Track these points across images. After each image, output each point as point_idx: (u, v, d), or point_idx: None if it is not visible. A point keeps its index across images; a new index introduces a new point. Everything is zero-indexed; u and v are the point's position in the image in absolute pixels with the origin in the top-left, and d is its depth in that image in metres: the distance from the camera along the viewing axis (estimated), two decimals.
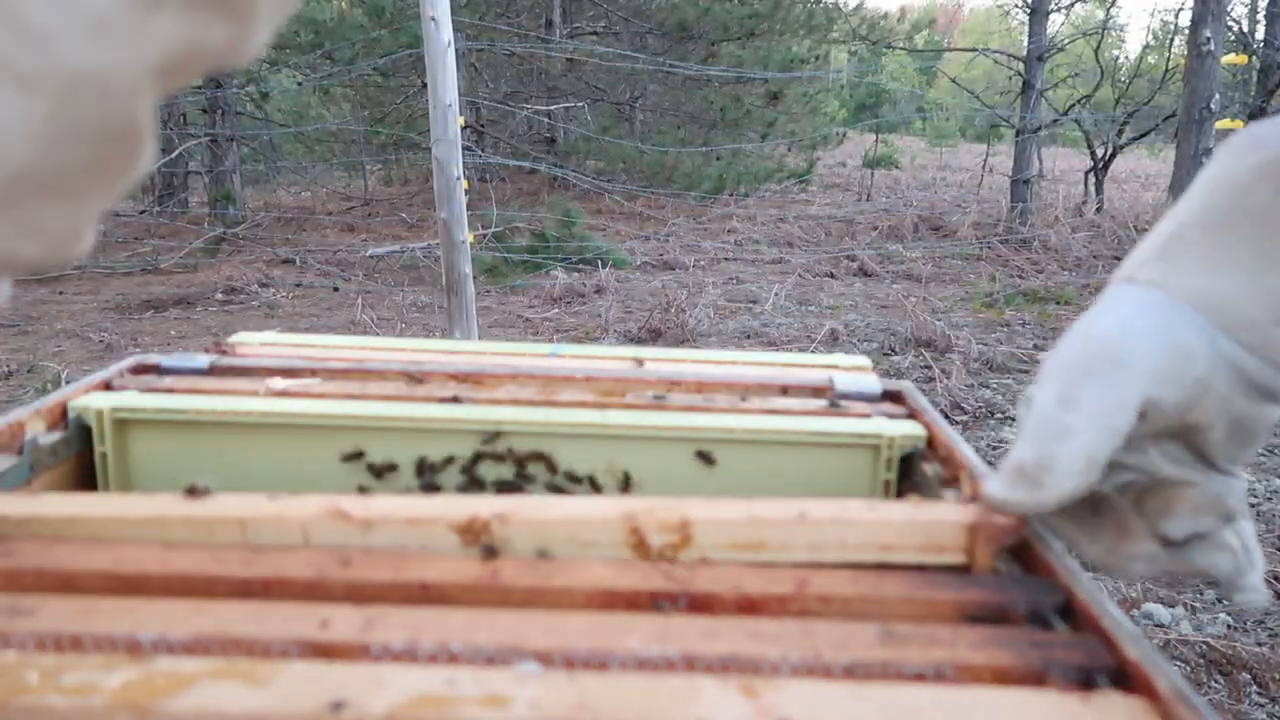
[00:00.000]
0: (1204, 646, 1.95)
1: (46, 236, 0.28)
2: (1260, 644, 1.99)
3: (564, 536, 0.48)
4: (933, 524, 0.49)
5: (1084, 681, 0.38)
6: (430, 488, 0.69)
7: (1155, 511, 0.50)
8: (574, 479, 0.68)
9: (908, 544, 0.49)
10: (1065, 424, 0.48)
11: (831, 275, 6.21)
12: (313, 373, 0.78)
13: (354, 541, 0.49)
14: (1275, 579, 2.23)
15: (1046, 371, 0.51)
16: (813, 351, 4.17)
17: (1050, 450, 0.48)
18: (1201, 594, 2.22)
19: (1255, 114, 6.58)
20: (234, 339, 0.90)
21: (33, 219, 0.28)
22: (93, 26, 0.25)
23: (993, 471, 0.54)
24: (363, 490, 0.69)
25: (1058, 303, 5.24)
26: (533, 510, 0.49)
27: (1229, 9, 6.32)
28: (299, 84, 9.54)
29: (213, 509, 0.50)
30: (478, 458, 0.68)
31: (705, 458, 0.68)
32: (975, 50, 10.66)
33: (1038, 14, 8.39)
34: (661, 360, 0.87)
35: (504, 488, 0.68)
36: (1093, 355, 0.49)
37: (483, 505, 0.50)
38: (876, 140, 12.54)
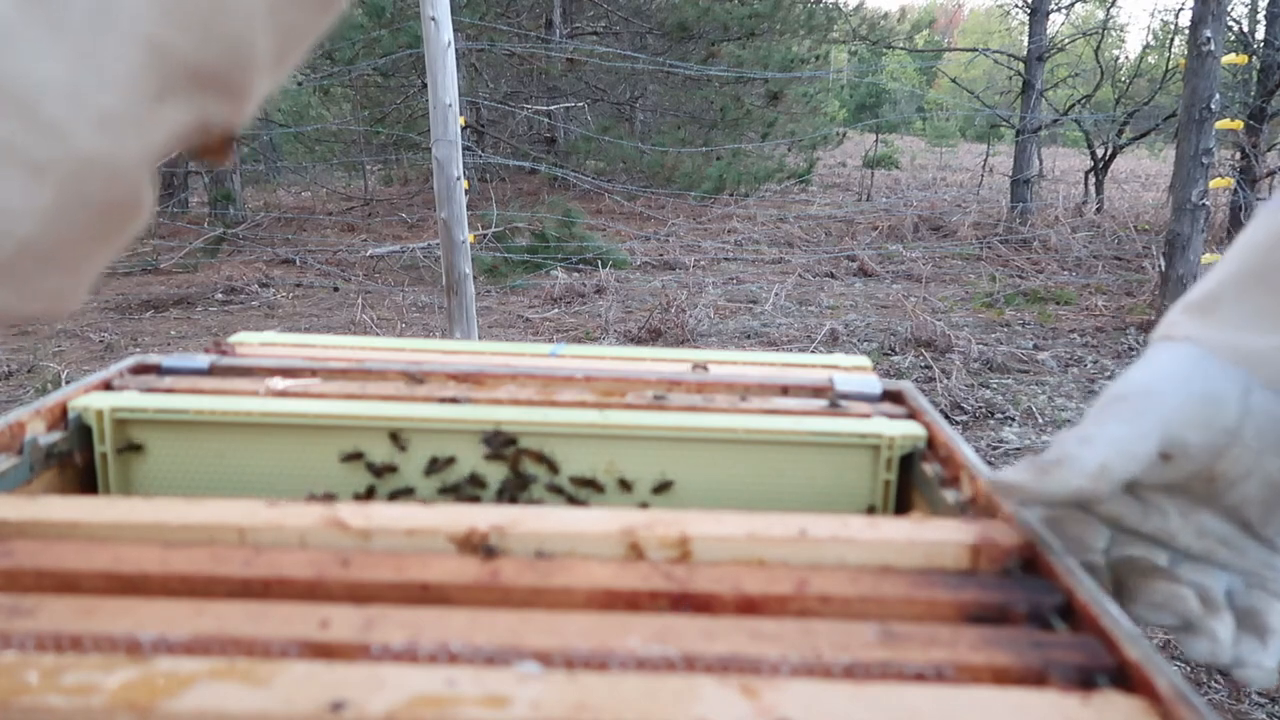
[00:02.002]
0: None
1: (44, 299, 0.30)
2: None
3: (562, 550, 0.48)
4: (934, 543, 0.49)
5: (1084, 681, 0.38)
6: (443, 490, 0.69)
7: (1127, 593, 0.50)
8: (576, 480, 0.68)
9: (908, 563, 0.49)
10: (1088, 435, 0.49)
11: (831, 275, 6.21)
12: (313, 373, 0.78)
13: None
14: None
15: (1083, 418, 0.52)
16: (813, 351, 4.17)
17: (1068, 450, 0.49)
18: None
19: (1255, 114, 6.59)
20: (234, 339, 0.90)
21: (33, 285, 0.29)
22: (102, 120, 0.26)
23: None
24: (367, 494, 0.69)
25: (1058, 303, 5.24)
26: (531, 522, 0.49)
27: (1229, 9, 6.32)
28: (299, 84, 9.54)
29: (211, 515, 0.50)
30: (482, 449, 0.68)
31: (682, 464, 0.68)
32: (975, 50, 10.66)
33: (1038, 14, 8.39)
34: (665, 360, 0.87)
35: (504, 488, 0.68)
36: (1122, 395, 0.50)
37: (481, 516, 0.50)
38: (876, 140, 12.54)
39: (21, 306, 0.29)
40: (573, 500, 0.68)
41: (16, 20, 0.25)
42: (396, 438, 0.68)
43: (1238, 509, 0.50)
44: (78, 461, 0.69)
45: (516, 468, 0.68)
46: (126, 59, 0.26)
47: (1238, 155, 6.71)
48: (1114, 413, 0.49)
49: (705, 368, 0.83)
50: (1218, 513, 0.50)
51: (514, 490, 0.68)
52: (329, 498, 0.68)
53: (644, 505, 0.68)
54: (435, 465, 0.68)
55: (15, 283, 0.28)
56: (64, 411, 0.69)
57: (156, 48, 0.27)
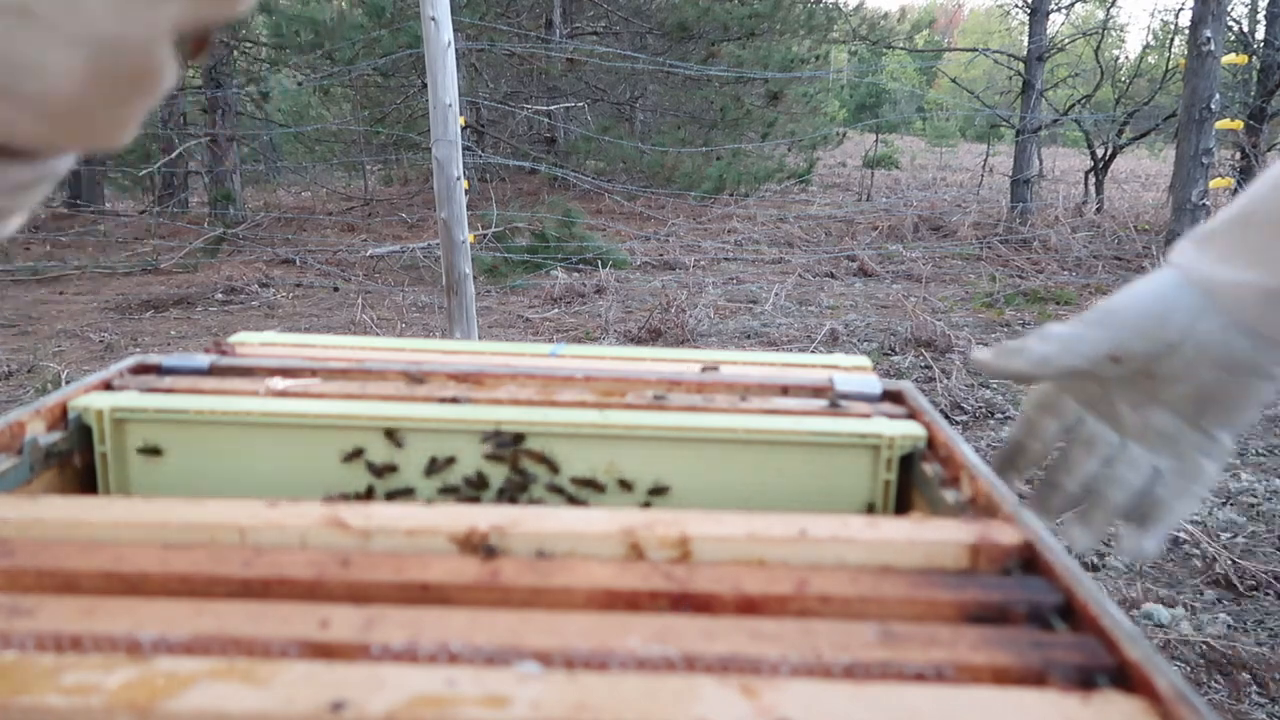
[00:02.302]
0: (1204, 646, 1.95)
1: (100, 131, 0.40)
2: (1260, 644, 1.99)
3: (563, 550, 0.48)
4: (933, 543, 0.49)
5: (1084, 681, 0.38)
6: (444, 490, 0.69)
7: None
8: (576, 480, 0.68)
9: (908, 563, 0.49)
10: (1048, 333, 0.65)
11: (831, 275, 6.21)
12: (313, 373, 0.78)
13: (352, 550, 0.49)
14: (1276, 579, 2.23)
15: None
16: (813, 352, 4.17)
17: (1028, 342, 0.65)
18: (1201, 594, 2.22)
19: (1255, 114, 6.59)
20: (234, 339, 0.90)
21: (79, 128, 0.40)
22: (117, 5, 0.35)
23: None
24: (367, 494, 0.69)
25: (1058, 303, 5.24)
26: (531, 523, 0.49)
27: (1229, 9, 6.32)
28: (299, 84, 9.54)
29: (212, 516, 0.50)
30: (481, 445, 0.68)
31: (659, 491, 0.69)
32: (975, 50, 10.66)
33: (1038, 14, 8.39)
34: (670, 360, 0.87)
35: (504, 488, 0.68)
36: (1095, 309, 0.65)
37: (481, 517, 0.50)
38: (876, 140, 12.54)
39: (85, 138, 0.40)
40: (573, 500, 0.68)
41: None
42: (393, 435, 0.68)
43: (1174, 404, 0.63)
44: (77, 462, 0.69)
45: (517, 467, 0.68)
46: None
47: (1238, 155, 6.71)
48: (1080, 320, 0.65)
49: (716, 368, 0.83)
50: (1160, 407, 0.63)
51: (514, 490, 0.68)
52: (344, 498, 0.68)
53: (645, 505, 0.68)
54: (435, 465, 0.68)
55: (63, 126, 0.38)
56: (64, 411, 0.69)
57: None
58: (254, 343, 0.90)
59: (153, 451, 0.68)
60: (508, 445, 0.68)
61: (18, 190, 0.51)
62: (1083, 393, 0.67)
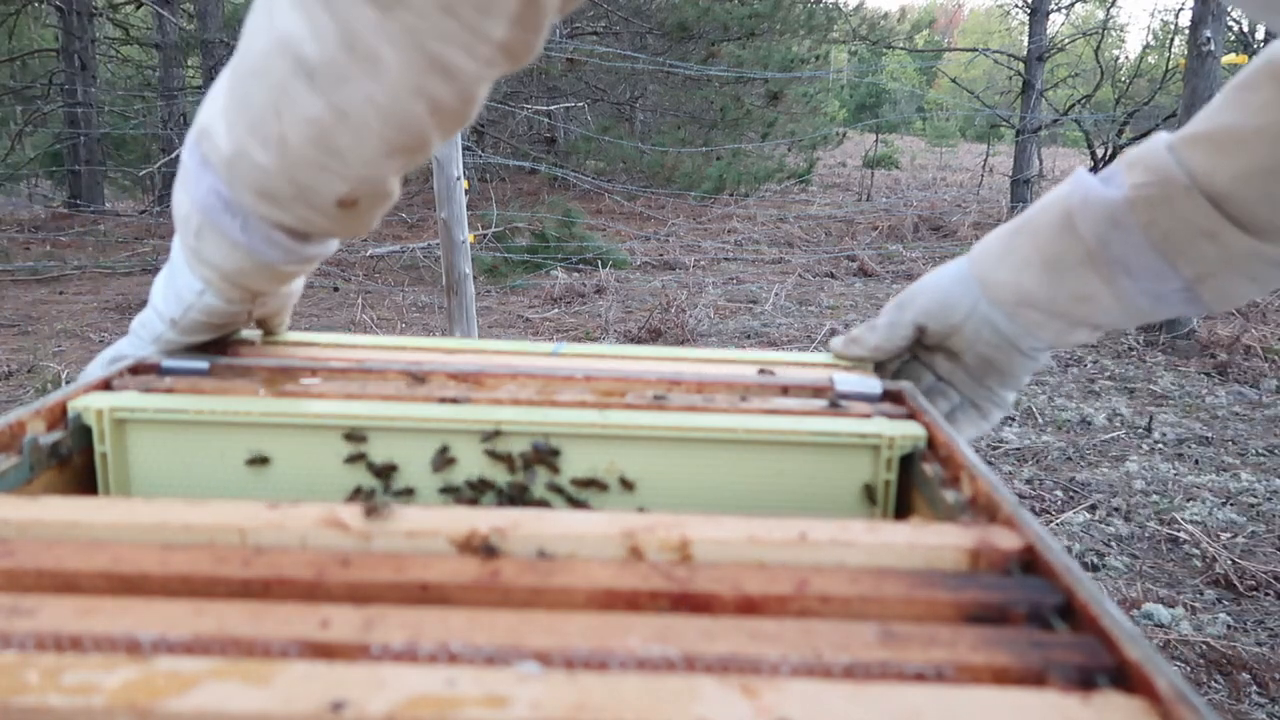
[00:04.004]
0: (1204, 646, 1.95)
1: (369, 222, 0.65)
2: (1260, 644, 1.99)
3: (563, 553, 0.49)
4: (934, 548, 0.49)
5: (1084, 681, 0.38)
6: (447, 490, 0.69)
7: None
8: (577, 482, 0.68)
9: (907, 568, 0.49)
10: (875, 324, 0.82)
11: (831, 275, 6.20)
12: (313, 373, 0.78)
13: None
14: (1276, 579, 2.23)
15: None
16: (813, 351, 4.17)
17: (861, 331, 0.83)
18: (1201, 594, 2.22)
19: None
20: (235, 337, 0.90)
21: (368, 216, 0.66)
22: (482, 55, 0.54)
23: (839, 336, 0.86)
24: (369, 495, 0.69)
25: None
26: (531, 525, 0.49)
27: (1229, 9, 6.32)
28: None
29: (212, 516, 0.50)
30: (478, 443, 0.68)
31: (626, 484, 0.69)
32: (975, 50, 10.66)
33: (1038, 14, 8.39)
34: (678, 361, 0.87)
35: (505, 488, 0.68)
36: (904, 293, 0.82)
37: (481, 519, 0.50)
38: (876, 140, 12.54)
39: (352, 231, 0.68)
40: (573, 501, 0.68)
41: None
42: (363, 437, 0.68)
43: (966, 368, 0.80)
44: (78, 462, 0.69)
45: (517, 467, 0.68)
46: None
47: None
48: (894, 305, 0.81)
49: (772, 372, 0.83)
50: (959, 368, 0.80)
51: (514, 491, 0.68)
52: (359, 492, 0.68)
53: (640, 509, 0.68)
54: (436, 465, 0.68)
55: (350, 222, 0.66)
56: (64, 411, 0.69)
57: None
58: (254, 342, 0.90)
59: (261, 461, 0.69)
60: (496, 445, 0.68)
61: (305, 263, 0.72)
62: (911, 353, 0.84)
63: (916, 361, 0.82)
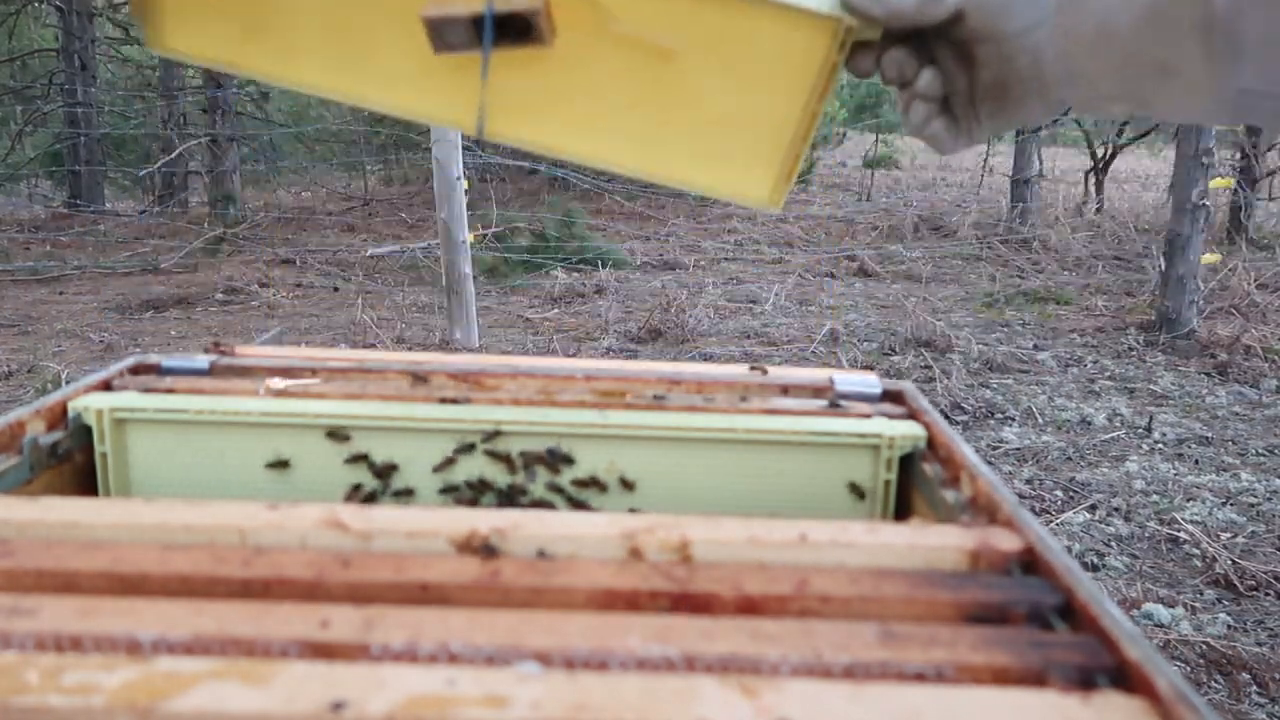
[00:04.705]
0: (1204, 646, 1.95)
1: None
2: (1260, 644, 1.99)
3: (563, 553, 0.48)
4: (933, 549, 0.49)
5: (1084, 681, 0.38)
6: (446, 489, 0.69)
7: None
8: (578, 482, 0.68)
9: (908, 568, 0.49)
10: None
11: (831, 275, 6.21)
12: (313, 373, 0.78)
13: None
14: (1276, 579, 2.23)
15: None
16: (813, 351, 4.17)
17: None
18: (1201, 594, 2.22)
19: None
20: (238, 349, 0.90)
21: None
22: None
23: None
24: (370, 496, 0.69)
25: (1058, 303, 5.24)
26: (531, 526, 0.49)
27: None
28: None
29: (212, 517, 0.50)
30: (469, 448, 0.68)
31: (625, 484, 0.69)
32: None
33: None
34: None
35: (505, 488, 0.68)
36: None
37: (481, 520, 0.50)
38: (876, 140, 12.53)
39: None
40: (574, 501, 0.68)
41: None
42: (348, 437, 0.68)
43: (974, 81, 0.65)
44: (78, 461, 0.69)
45: (517, 468, 0.68)
46: None
47: (1238, 155, 6.71)
48: None
49: (764, 370, 0.83)
50: (966, 76, 0.65)
51: (514, 492, 0.68)
52: (370, 498, 0.68)
53: (633, 510, 0.68)
54: (436, 465, 0.68)
55: None
56: (64, 411, 0.69)
57: None
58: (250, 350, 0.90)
59: (282, 464, 0.69)
60: (496, 445, 0.68)
61: None
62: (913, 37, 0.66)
63: (911, 49, 0.66)
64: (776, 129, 0.68)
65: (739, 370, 0.83)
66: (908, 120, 0.67)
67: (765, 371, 0.82)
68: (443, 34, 0.64)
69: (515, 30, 0.64)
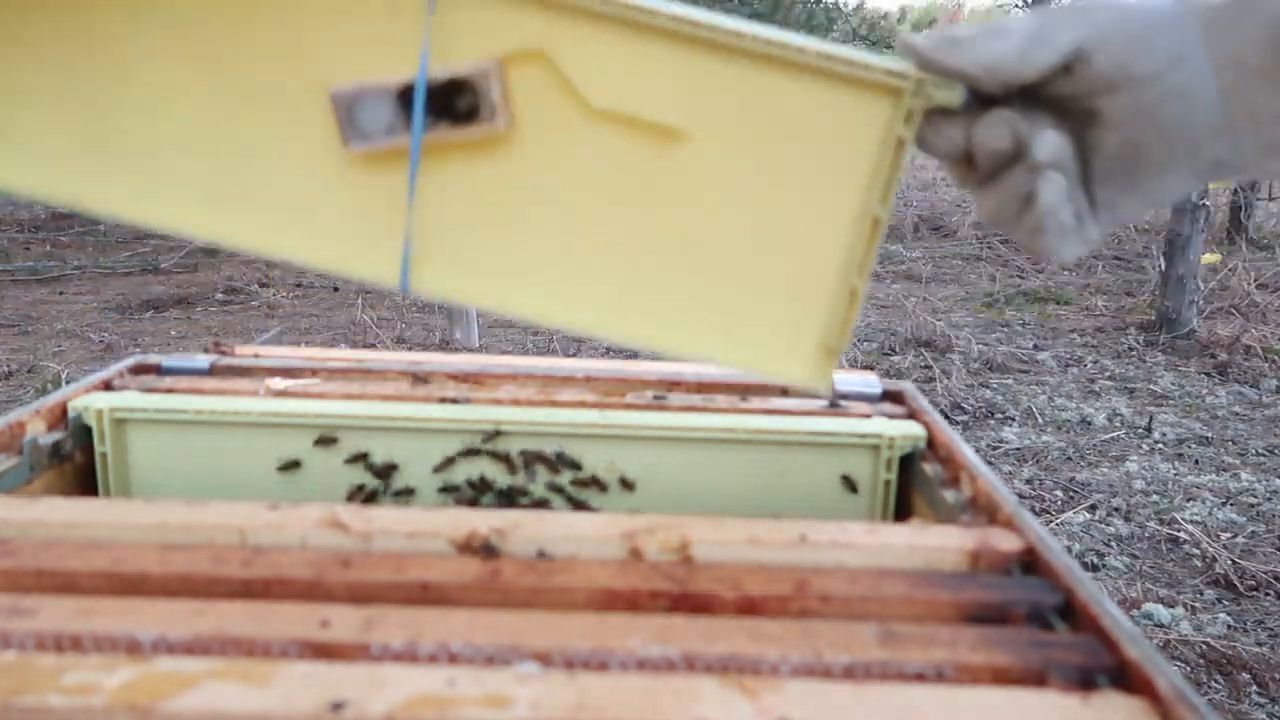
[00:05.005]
0: (1204, 646, 1.95)
1: None
2: (1260, 644, 1.99)
3: (563, 554, 0.48)
4: (933, 549, 0.49)
5: (1084, 681, 0.38)
6: (445, 489, 0.69)
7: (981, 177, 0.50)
8: (578, 482, 0.68)
9: (908, 568, 0.49)
10: (1006, 28, 0.48)
11: None
12: (313, 373, 0.78)
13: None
14: (1276, 579, 2.23)
15: None
16: None
17: (976, 36, 0.48)
18: (1201, 594, 2.22)
19: None
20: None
21: None
22: None
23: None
24: (369, 495, 0.69)
25: (1058, 303, 5.24)
26: (531, 526, 0.49)
27: None
28: None
29: (212, 518, 0.50)
30: (473, 453, 0.68)
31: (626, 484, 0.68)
32: None
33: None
34: None
35: (505, 488, 0.68)
36: (1072, 5, 0.48)
37: (481, 520, 0.50)
38: None
39: None
40: (574, 501, 0.68)
41: None
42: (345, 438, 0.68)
43: (1090, 151, 0.49)
44: (78, 461, 0.69)
45: (517, 467, 0.68)
46: None
47: None
48: (1042, 17, 0.48)
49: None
50: (1087, 143, 0.49)
51: (514, 492, 0.68)
52: (370, 498, 0.68)
53: (633, 511, 0.68)
54: (437, 465, 0.68)
55: None
56: (64, 411, 0.69)
57: None
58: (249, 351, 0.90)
59: (293, 465, 0.69)
60: (497, 445, 0.68)
61: None
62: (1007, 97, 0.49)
63: (1005, 112, 0.48)
64: (819, 249, 0.50)
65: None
66: (1030, 213, 0.48)
67: None
68: (357, 118, 0.48)
69: (456, 110, 0.48)
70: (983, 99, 0.48)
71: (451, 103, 0.48)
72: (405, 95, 0.47)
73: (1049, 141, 0.47)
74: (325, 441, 0.68)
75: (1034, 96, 0.48)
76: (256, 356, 0.84)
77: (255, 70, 0.49)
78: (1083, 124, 0.48)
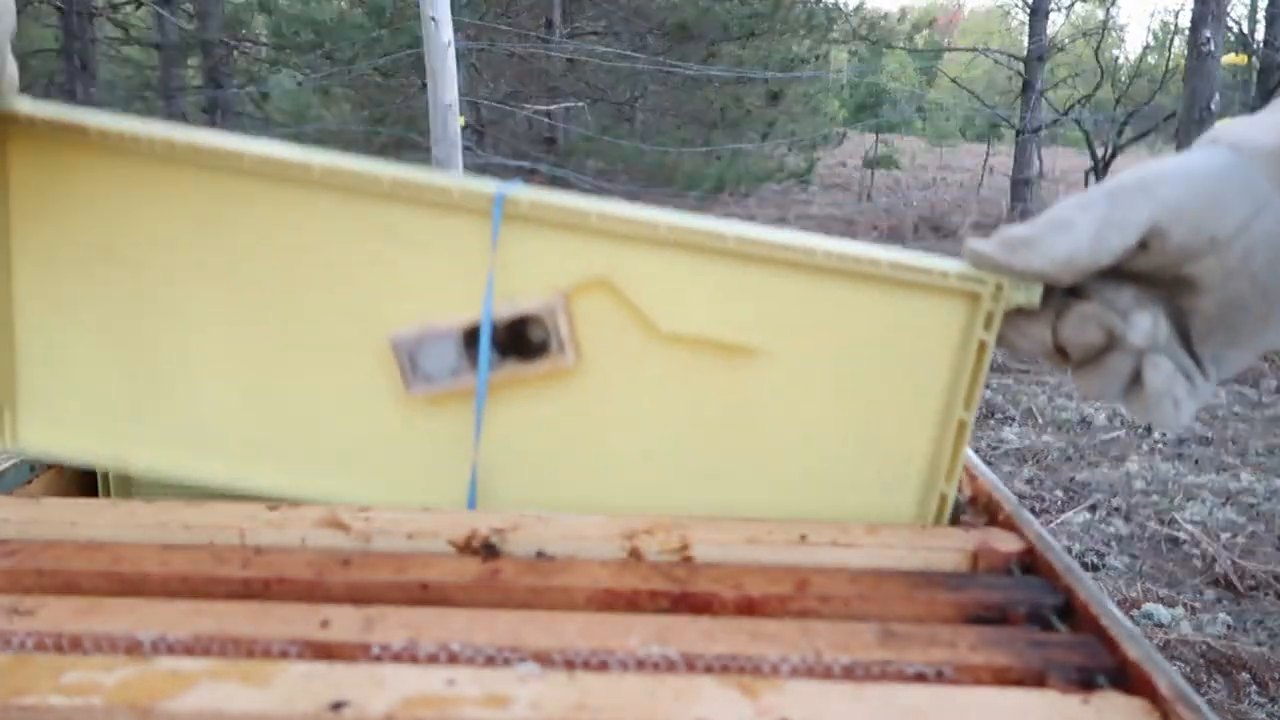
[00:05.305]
0: (1204, 646, 1.95)
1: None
2: (1260, 644, 1.99)
3: (563, 555, 0.48)
4: (933, 549, 0.49)
5: (1084, 681, 0.38)
6: None
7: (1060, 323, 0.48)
8: None
9: (908, 569, 0.49)
10: (1068, 220, 0.46)
11: None
12: None
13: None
14: (1276, 579, 2.24)
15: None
16: None
17: (1043, 233, 0.46)
18: (1201, 594, 2.22)
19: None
20: None
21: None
22: None
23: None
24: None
25: None
26: (532, 526, 0.49)
27: (1229, 9, 6.33)
28: (299, 84, 9.54)
29: (212, 517, 0.50)
30: None
31: None
32: (975, 50, 10.67)
33: (1038, 14, 8.40)
34: None
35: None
36: (1122, 185, 0.46)
37: (481, 520, 0.50)
38: (876, 140, 12.54)
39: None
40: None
41: None
42: None
43: (1185, 315, 0.47)
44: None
45: None
46: None
47: None
48: (1105, 194, 0.46)
49: None
50: (1167, 312, 0.47)
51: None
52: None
53: None
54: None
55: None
56: None
57: None
58: None
59: None
60: None
61: None
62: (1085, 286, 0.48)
63: (1088, 307, 0.47)
64: (904, 456, 0.50)
65: None
66: (1140, 395, 0.47)
67: None
68: (419, 363, 0.48)
69: (523, 346, 0.48)
70: (1065, 290, 0.47)
71: (517, 339, 0.48)
72: (470, 336, 0.47)
73: (1143, 328, 0.46)
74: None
75: (1115, 272, 0.47)
76: None
77: (310, 324, 0.50)
78: (1172, 291, 0.47)
